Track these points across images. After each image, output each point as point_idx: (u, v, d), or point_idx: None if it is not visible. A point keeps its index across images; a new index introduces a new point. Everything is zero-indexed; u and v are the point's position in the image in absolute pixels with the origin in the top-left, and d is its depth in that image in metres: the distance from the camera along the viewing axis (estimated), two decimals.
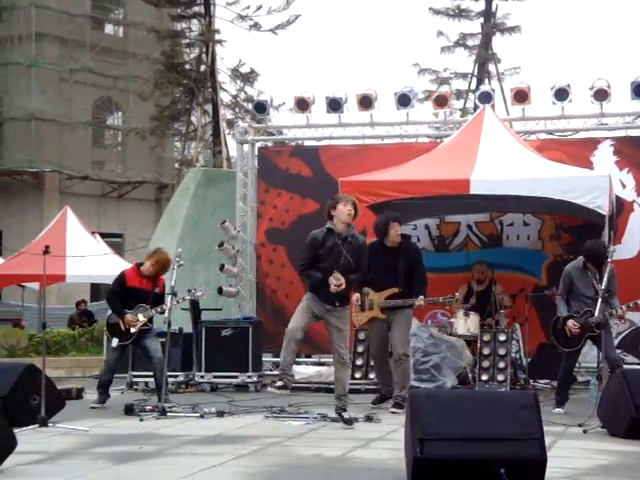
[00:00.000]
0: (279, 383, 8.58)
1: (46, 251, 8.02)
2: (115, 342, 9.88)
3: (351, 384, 11.32)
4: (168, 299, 9.23)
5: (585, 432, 7.82)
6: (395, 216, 9.91)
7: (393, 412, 9.21)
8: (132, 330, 9.86)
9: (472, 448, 5.40)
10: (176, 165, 33.81)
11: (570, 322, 9.14)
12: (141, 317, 9.81)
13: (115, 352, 10.10)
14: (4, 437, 6.00)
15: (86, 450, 6.96)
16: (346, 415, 8.35)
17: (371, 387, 11.58)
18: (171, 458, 6.70)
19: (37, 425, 7.85)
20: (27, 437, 7.32)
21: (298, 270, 9.14)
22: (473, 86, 27.87)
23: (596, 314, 8.95)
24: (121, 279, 10.05)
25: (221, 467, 6.25)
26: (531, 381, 11.89)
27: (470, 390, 10.60)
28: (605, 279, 8.86)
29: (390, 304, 9.63)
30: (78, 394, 10.72)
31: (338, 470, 6.17)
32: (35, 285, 22.48)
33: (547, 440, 6.32)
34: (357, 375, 12.04)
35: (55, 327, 19.62)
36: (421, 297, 9.66)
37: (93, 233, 20.25)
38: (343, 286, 8.23)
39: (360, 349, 12.10)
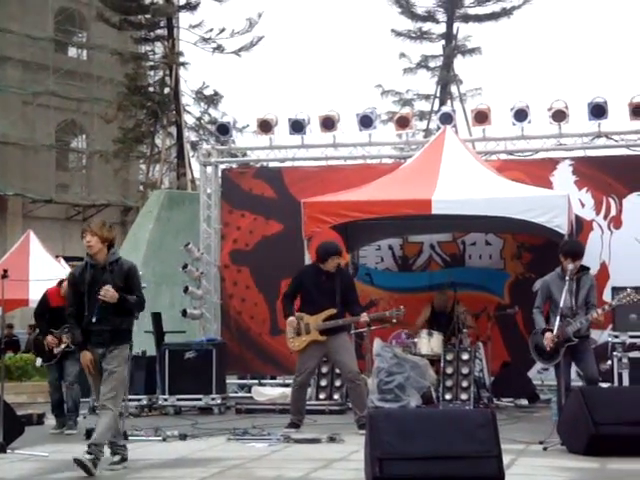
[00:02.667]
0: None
1: (4, 275, 7.98)
2: (39, 362, 9.94)
3: (315, 405, 11.47)
4: None
5: (545, 449, 7.87)
6: (337, 250, 9.76)
7: (362, 433, 9.18)
8: (55, 351, 9.95)
9: (431, 467, 5.43)
10: (141, 187, 33.74)
11: (547, 334, 8.77)
12: (65, 338, 9.81)
13: (51, 371, 10.20)
14: None
15: (44, 476, 6.91)
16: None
17: (335, 408, 11.60)
18: None
19: None
20: None
21: None
22: (436, 107, 28.12)
23: (574, 324, 8.70)
24: (44, 300, 10.17)
25: None
26: (494, 399, 11.94)
27: (428, 409, 10.64)
28: (583, 290, 8.80)
29: (330, 325, 9.50)
30: (39, 419, 10.63)
31: None
32: None
33: (508, 458, 6.39)
34: (321, 396, 12.06)
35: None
36: (364, 313, 9.65)
37: (57, 257, 20.13)
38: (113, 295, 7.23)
39: (324, 370, 12.11)
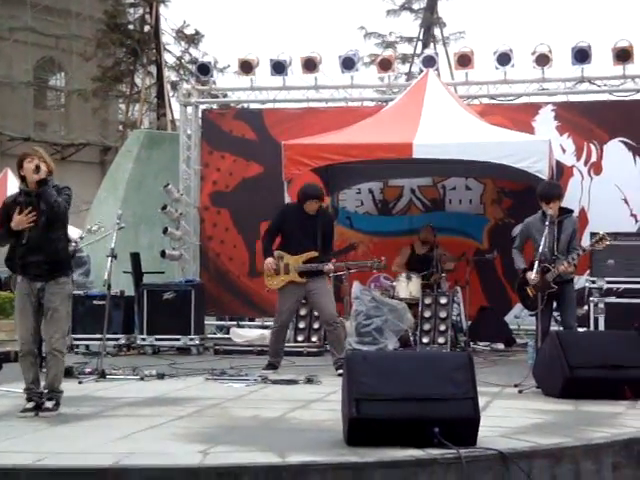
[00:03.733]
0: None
1: None
2: None
3: (293, 347, 11.53)
4: (108, 261, 9.13)
5: (520, 392, 7.95)
6: (316, 194, 9.63)
7: (340, 375, 9.21)
8: None
9: (407, 408, 5.46)
10: (120, 127, 33.43)
11: (528, 274, 8.68)
12: None
13: None
14: None
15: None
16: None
17: (313, 350, 11.66)
18: (108, 420, 6.69)
19: None
20: None
21: None
22: (419, 50, 27.96)
23: (553, 270, 8.68)
24: None
25: (158, 428, 6.25)
26: (471, 343, 12.04)
27: (406, 351, 10.73)
28: (565, 233, 8.76)
29: (308, 268, 9.46)
30: (16, 357, 10.56)
31: (274, 430, 6.21)
32: None
33: (483, 400, 6.45)
34: (299, 338, 12.11)
35: None
36: (329, 263, 9.54)
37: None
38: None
39: (302, 312, 12.14)
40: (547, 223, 8.64)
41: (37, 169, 6.75)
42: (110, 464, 4.99)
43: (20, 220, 6.77)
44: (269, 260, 9.57)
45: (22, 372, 6.90)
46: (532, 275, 8.59)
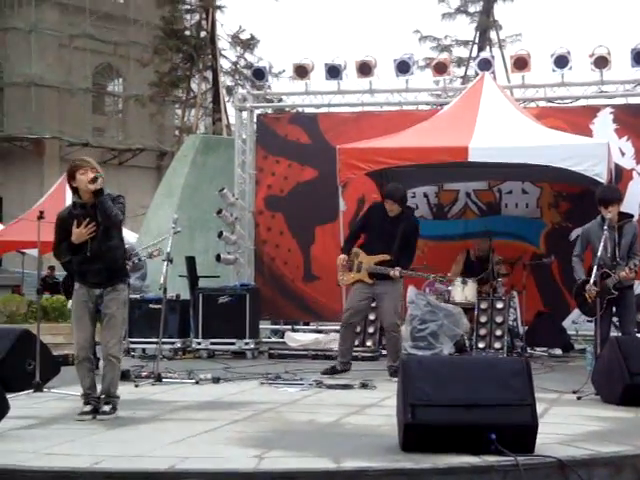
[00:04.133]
0: None
1: (40, 217, 7.99)
2: (70, 304, 9.90)
3: None
4: (164, 265, 9.19)
5: (579, 399, 7.83)
6: (390, 194, 9.51)
7: (394, 381, 9.13)
8: None
9: (463, 414, 5.40)
10: (176, 132, 33.73)
11: (588, 286, 8.50)
12: None
13: None
14: None
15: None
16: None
17: (368, 355, 11.61)
18: (164, 423, 6.72)
19: (32, 390, 7.89)
20: (21, 402, 7.35)
21: None
22: (474, 53, 27.78)
23: (613, 276, 8.56)
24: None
25: (214, 432, 6.27)
26: (528, 349, 11.90)
27: (462, 357, 10.63)
28: (625, 238, 8.62)
29: (376, 270, 9.39)
30: (74, 360, 10.70)
31: (330, 435, 6.18)
32: (35, 252, 22.53)
33: (541, 407, 6.35)
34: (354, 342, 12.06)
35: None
36: (397, 268, 9.32)
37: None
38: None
39: None
40: (606, 228, 8.49)
41: (94, 180, 6.79)
42: (166, 468, 5.02)
43: (80, 233, 6.85)
44: (340, 257, 9.56)
45: (79, 378, 6.97)
46: (591, 285, 8.41)
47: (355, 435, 6.19)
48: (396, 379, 8.88)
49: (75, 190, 6.94)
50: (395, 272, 9.32)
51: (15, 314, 17.92)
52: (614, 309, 8.83)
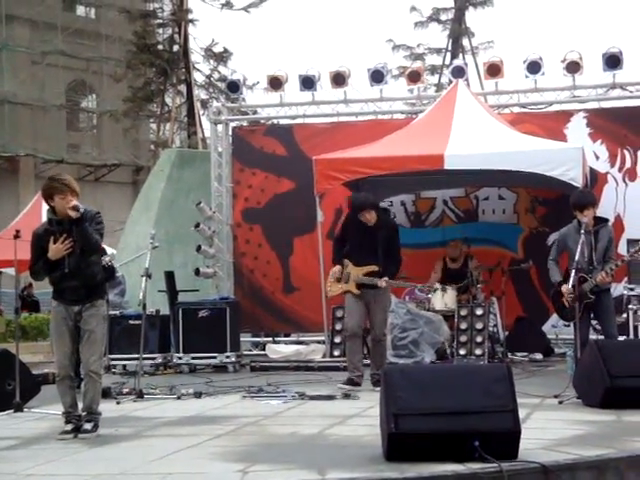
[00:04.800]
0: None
1: (17, 235, 7.95)
2: None
3: (329, 361, 11.51)
4: (142, 280, 9.15)
5: (561, 403, 7.85)
6: (366, 204, 9.36)
7: (377, 390, 9.02)
8: None
9: (446, 422, 5.40)
10: (152, 147, 33.65)
11: (564, 287, 8.56)
12: None
13: None
14: None
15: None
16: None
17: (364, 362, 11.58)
18: (147, 440, 6.69)
19: (12, 410, 7.82)
20: (2, 422, 7.32)
21: None
22: (447, 61, 27.89)
23: (590, 281, 8.57)
24: None
25: (197, 447, 6.24)
26: (509, 354, 11.92)
27: (443, 364, 10.64)
28: (601, 242, 8.63)
29: (364, 281, 9.30)
30: (55, 379, 10.63)
31: (314, 447, 6.17)
32: (12, 270, 22.37)
33: (523, 412, 6.37)
34: (336, 353, 12.06)
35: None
36: (385, 278, 9.20)
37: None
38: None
39: (339, 327, 12.10)
40: (582, 232, 8.52)
41: (75, 208, 6.75)
42: None
43: (57, 249, 6.80)
44: (335, 268, 9.49)
45: (60, 396, 6.92)
46: (568, 288, 8.44)
47: (339, 446, 6.18)
48: (379, 388, 8.93)
49: (52, 207, 6.90)
50: (382, 282, 9.22)
51: None
52: (592, 314, 8.85)
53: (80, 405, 6.92)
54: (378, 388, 8.94)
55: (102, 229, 6.97)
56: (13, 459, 5.95)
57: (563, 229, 9.13)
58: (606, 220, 9.18)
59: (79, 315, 6.87)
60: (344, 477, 5.09)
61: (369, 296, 9.33)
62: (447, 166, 11.25)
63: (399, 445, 5.43)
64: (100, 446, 6.40)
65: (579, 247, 8.41)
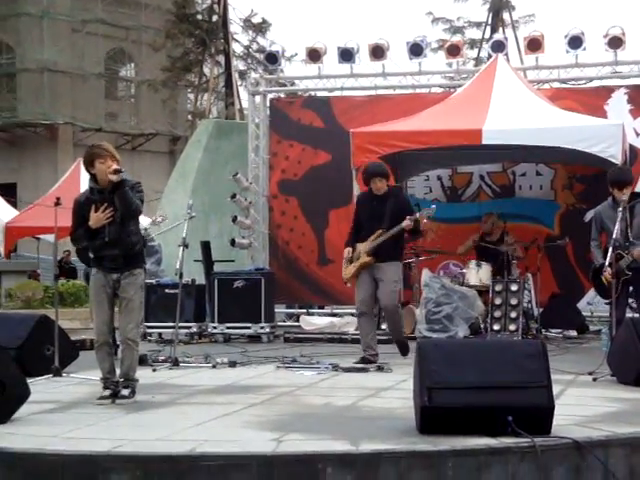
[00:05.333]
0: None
1: (57, 203, 8.06)
2: None
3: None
4: (180, 250, 9.23)
5: (595, 380, 7.85)
6: (377, 171, 9.25)
7: (377, 366, 8.90)
8: None
9: (479, 396, 5.43)
10: (189, 117, 33.74)
11: (604, 268, 8.43)
12: None
13: None
14: (18, 386, 6.09)
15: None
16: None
17: (383, 338, 11.60)
18: (183, 407, 6.78)
19: (51, 375, 7.95)
20: (41, 387, 7.42)
21: None
22: (487, 35, 27.68)
23: (627, 257, 8.50)
24: None
25: (232, 416, 6.32)
26: (543, 330, 11.91)
27: (477, 339, 10.64)
28: (637, 218, 8.56)
29: (375, 243, 9.03)
30: (92, 345, 10.78)
31: (347, 419, 6.22)
32: (50, 237, 22.60)
33: (557, 388, 6.37)
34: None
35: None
36: (405, 221, 8.94)
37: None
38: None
39: None
40: (620, 210, 8.45)
41: (116, 172, 6.80)
42: (185, 451, 5.07)
43: (98, 218, 6.88)
44: (346, 250, 9.31)
45: (98, 362, 7.03)
46: (606, 267, 8.37)
47: (372, 418, 6.24)
48: (405, 356, 8.95)
49: (93, 175, 6.97)
50: (405, 220, 8.94)
51: (31, 299, 18.02)
52: (630, 291, 8.81)
53: (118, 371, 7.03)
54: (404, 357, 9.02)
55: (142, 197, 7.05)
56: (52, 422, 6.06)
57: (598, 207, 9.06)
58: (638, 194, 9.10)
59: (118, 283, 6.95)
60: (378, 448, 5.14)
61: (379, 269, 9.07)
62: (485, 141, 11.19)
63: (432, 418, 5.47)
64: (137, 412, 6.50)
65: (617, 225, 8.35)
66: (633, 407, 6.57)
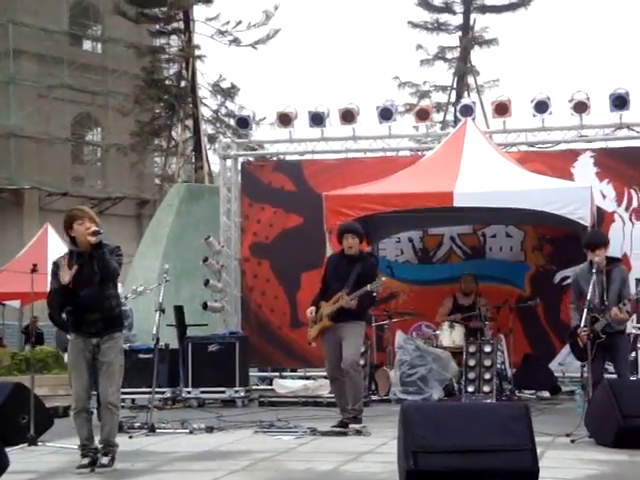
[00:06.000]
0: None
1: (34, 269, 8.03)
2: (67, 357, 9.81)
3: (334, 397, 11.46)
4: (156, 316, 9.20)
5: (573, 442, 7.85)
6: (350, 228, 9.24)
7: (355, 430, 8.71)
8: None
9: (465, 460, 5.44)
10: (157, 180, 33.77)
11: (579, 330, 8.52)
12: None
13: None
14: None
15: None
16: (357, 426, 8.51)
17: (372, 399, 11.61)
18: (164, 475, 6.70)
19: (26, 444, 7.84)
20: (17, 456, 7.29)
21: None
22: (452, 99, 28.16)
23: (602, 320, 8.56)
24: None
25: None
26: (516, 391, 11.94)
27: (461, 402, 10.64)
28: (614, 283, 8.66)
29: (334, 309, 8.88)
30: (64, 412, 10.66)
31: None
32: (16, 303, 22.39)
33: (537, 450, 6.38)
34: None
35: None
36: (346, 298, 8.82)
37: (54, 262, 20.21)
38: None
39: None
40: (594, 271, 8.56)
41: (95, 233, 6.81)
42: None
43: (68, 273, 6.83)
44: (308, 310, 9.20)
45: (76, 429, 6.94)
46: (581, 329, 8.46)
47: None
48: (356, 426, 8.68)
49: (72, 239, 6.97)
50: (345, 299, 8.81)
51: None
52: (606, 355, 8.85)
53: (96, 438, 6.94)
54: (356, 425, 8.74)
55: (121, 261, 7.04)
56: None
57: (576, 269, 9.13)
58: (618, 259, 9.24)
59: (97, 347, 6.90)
60: None
61: (342, 329, 8.92)
62: (456, 204, 11.34)
63: None
64: None
65: (591, 286, 8.45)
66: (613, 470, 6.60)
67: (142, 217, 34.46)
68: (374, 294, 9.11)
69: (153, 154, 33.84)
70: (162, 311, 9.17)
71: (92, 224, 6.89)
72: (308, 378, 13.41)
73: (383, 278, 9.27)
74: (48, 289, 7.11)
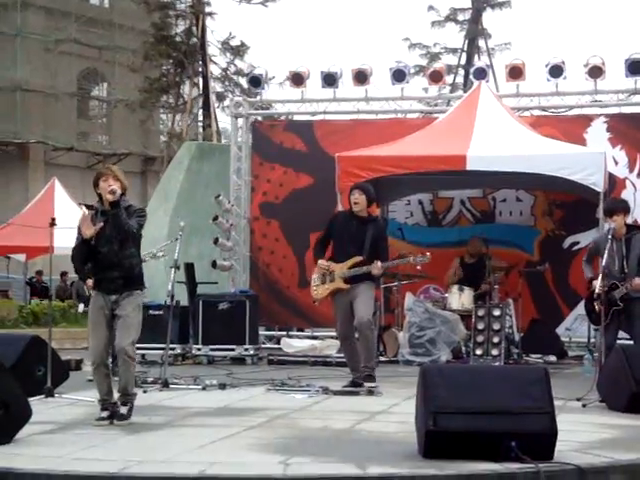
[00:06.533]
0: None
1: (52, 224, 8.07)
2: (81, 307, 9.86)
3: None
4: (171, 272, 9.24)
5: (584, 406, 7.92)
6: (358, 185, 9.28)
7: (369, 388, 8.74)
8: None
9: (484, 421, 5.49)
10: (162, 138, 33.70)
11: (595, 283, 8.50)
12: None
13: None
14: (21, 406, 6.08)
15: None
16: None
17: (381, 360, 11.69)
18: (181, 429, 6.78)
19: (43, 396, 7.92)
20: (35, 407, 7.32)
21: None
22: (463, 61, 28.00)
23: (621, 288, 8.60)
24: None
25: (233, 438, 6.33)
26: (523, 356, 12.01)
27: (481, 365, 10.65)
28: (634, 251, 8.66)
29: (352, 273, 8.86)
30: (77, 365, 10.77)
31: (347, 442, 6.25)
32: (21, 257, 22.48)
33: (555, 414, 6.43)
34: None
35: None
36: (378, 263, 8.76)
37: (80, 204, 20.25)
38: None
39: None
40: (610, 237, 8.58)
41: (112, 192, 6.89)
42: (196, 473, 5.08)
43: (89, 229, 6.93)
44: (320, 262, 9.12)
45: (96, 383, 7.01)
46: (597, 285, 8.48)
47: (372, 442, 6.26)
48: (370, 385, 8.71)
49: (99, 196, 7.07)
50: (376, 267, 8.75)
51: (5, 319, 17.89)
52: (621, 321, 8.90)
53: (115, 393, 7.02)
54: (369, 384, 8.74)
55: (143, 221, 7.09)
56: (56, 443, 6.06)
57: (596, 236, 9.21)
58: (639, 228, 9.24)
59: (116, 304, 6.96)
60: (385, 472, 5.18)
61: (353, 289, 8.92)
62: (469, 167, 11.32)
63: (437, 443, 5.52)
64: (138, 433, 6.49)
65: (606, 252, 8.46)
66: (627, 434, 6.66)
67: (147, 174, 34.47)
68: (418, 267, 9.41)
69: (159, 111, 33.73)
70: (177, 268, 9.20)
71: (116, 182, 6.96)
72: (315, 338, 13.49)
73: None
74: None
